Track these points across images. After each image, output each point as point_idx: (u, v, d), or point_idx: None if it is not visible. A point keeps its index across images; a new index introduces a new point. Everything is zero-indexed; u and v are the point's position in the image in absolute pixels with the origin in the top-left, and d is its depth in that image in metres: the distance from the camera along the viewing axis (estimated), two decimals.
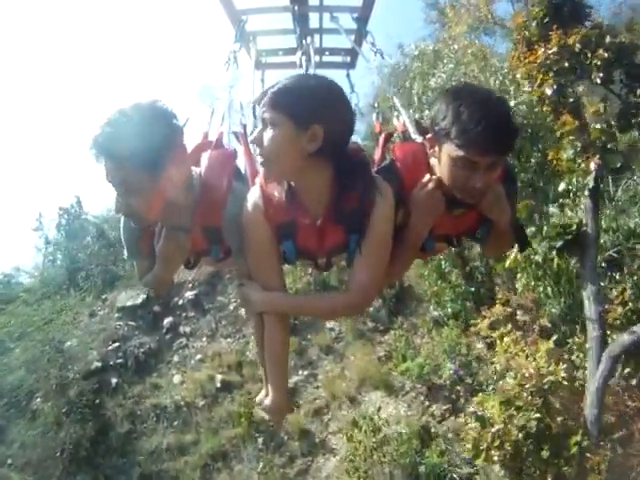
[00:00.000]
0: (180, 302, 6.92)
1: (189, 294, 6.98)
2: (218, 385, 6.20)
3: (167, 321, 6.67)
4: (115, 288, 7.42)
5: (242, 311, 7.46)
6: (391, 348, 7.02)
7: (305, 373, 6.67)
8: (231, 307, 7.34)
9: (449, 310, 6.15)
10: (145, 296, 6.57)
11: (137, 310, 6.69)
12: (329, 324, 7.33)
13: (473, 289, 5.76)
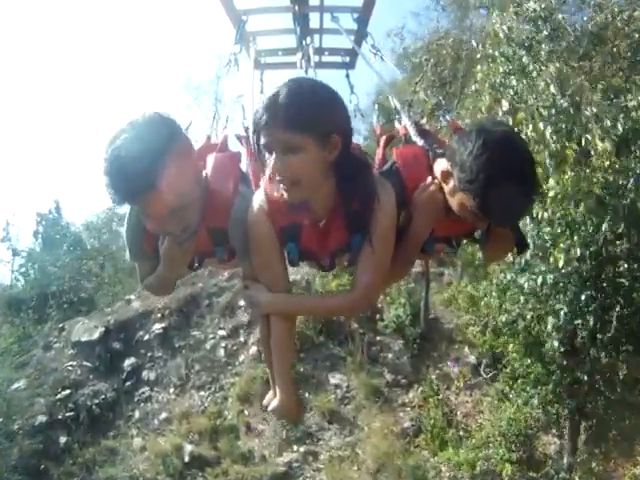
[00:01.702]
0: (145, 337, 7.46)
1: (156, 327, 7.53)
2: (186, 459, 6.38)
3: (128, 363, 7.17)
4: (82, 311, 7.94)
5: (220, 352, 7.94)
6: (419, 417, 6.93)
7: (301, 450, 6.63)
8: (207, 346, 7.79)
9: (531, 399, 5.79)
10: (103, 329, 7.10)
11: (94, 347, 7.19)
12: (334, 379, 7.58)
13: (578, 375, 5.25)
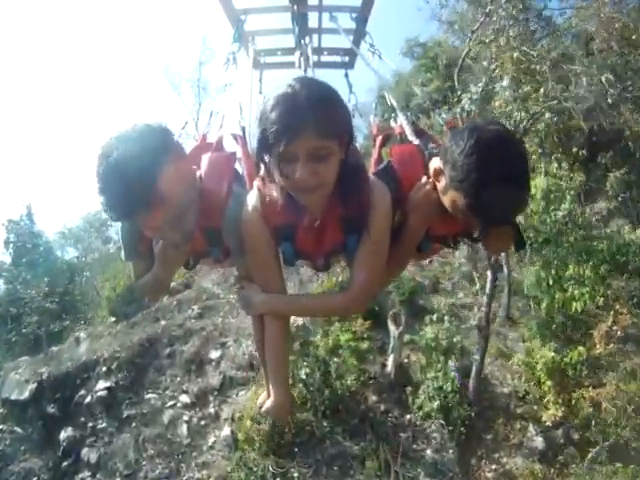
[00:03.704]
0: (87, 399, 8.39)
1: (100, 387, 8.45)
2: None
3: (65, 435, 8.04)
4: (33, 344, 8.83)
5: (182, 429, 8.58)
6: None
7: None
8: (165, 418, 8.59)
9: None
10: (35, 386, 8.12)
11: (26, 408, 8.14)
12: None
13: None
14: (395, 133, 2.95)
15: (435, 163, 2.16)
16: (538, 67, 10.41)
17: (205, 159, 2.25)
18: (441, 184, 2.09)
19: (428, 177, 2.19)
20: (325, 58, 3.92)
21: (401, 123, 2.89)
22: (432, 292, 11.49)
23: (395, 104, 3.08)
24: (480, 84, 10.40)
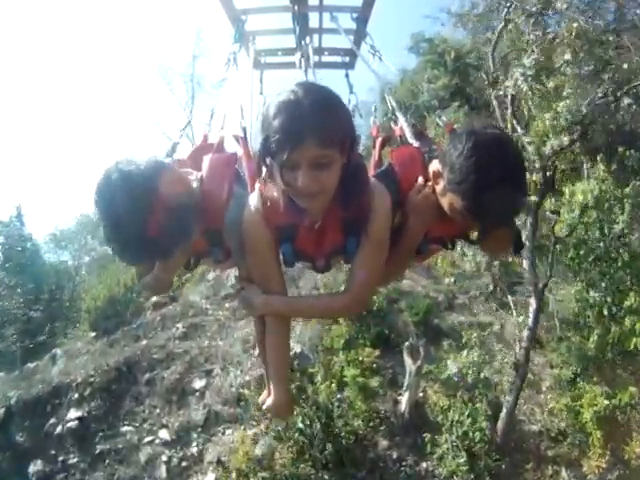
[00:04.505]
0: (57, 429, 8.86)
1: (72, 416, 8.90)
2: None
3: (34, 469, 8.52)
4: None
5: (161, 472, 8.99)
6: None
7: None
8: (142, 455, 9.03)
9: None
10: (3, 410, 8.65)
11: None
12: None
13: None
14: (395, 135, 3.39)
15: (434, 166, 2.55)
16: (611, 38, 10.16)
17: (206, 160, 2.66)
18: (439, 186, 2.50)
19: (427, 180, 2.60)
20: (326, 58, 4.68)
21: (401, 125, 3.38)
22: (447, 309, 11.92)
23: (395, 106, 3.61)
24: (533, 56, 10.05)
